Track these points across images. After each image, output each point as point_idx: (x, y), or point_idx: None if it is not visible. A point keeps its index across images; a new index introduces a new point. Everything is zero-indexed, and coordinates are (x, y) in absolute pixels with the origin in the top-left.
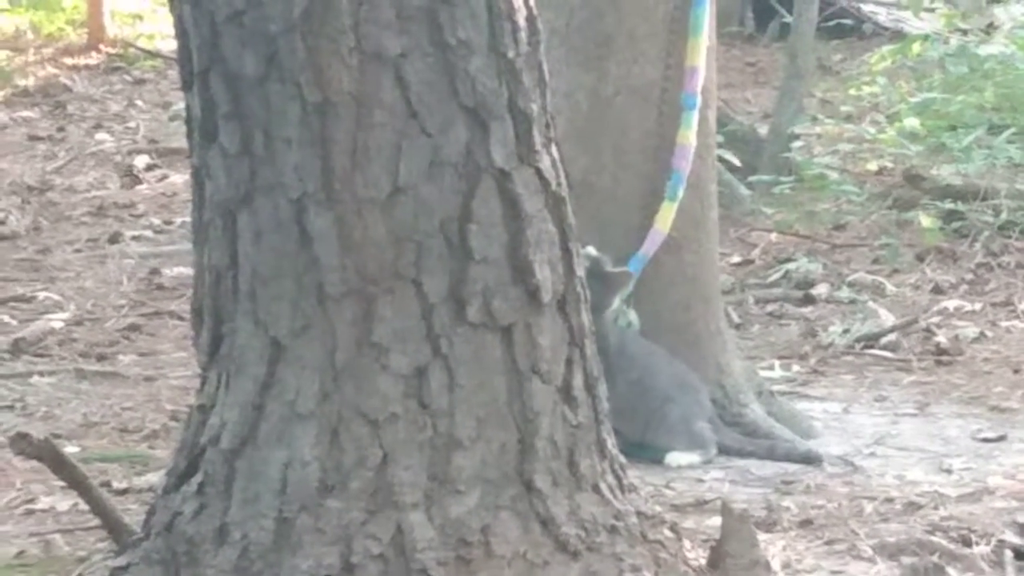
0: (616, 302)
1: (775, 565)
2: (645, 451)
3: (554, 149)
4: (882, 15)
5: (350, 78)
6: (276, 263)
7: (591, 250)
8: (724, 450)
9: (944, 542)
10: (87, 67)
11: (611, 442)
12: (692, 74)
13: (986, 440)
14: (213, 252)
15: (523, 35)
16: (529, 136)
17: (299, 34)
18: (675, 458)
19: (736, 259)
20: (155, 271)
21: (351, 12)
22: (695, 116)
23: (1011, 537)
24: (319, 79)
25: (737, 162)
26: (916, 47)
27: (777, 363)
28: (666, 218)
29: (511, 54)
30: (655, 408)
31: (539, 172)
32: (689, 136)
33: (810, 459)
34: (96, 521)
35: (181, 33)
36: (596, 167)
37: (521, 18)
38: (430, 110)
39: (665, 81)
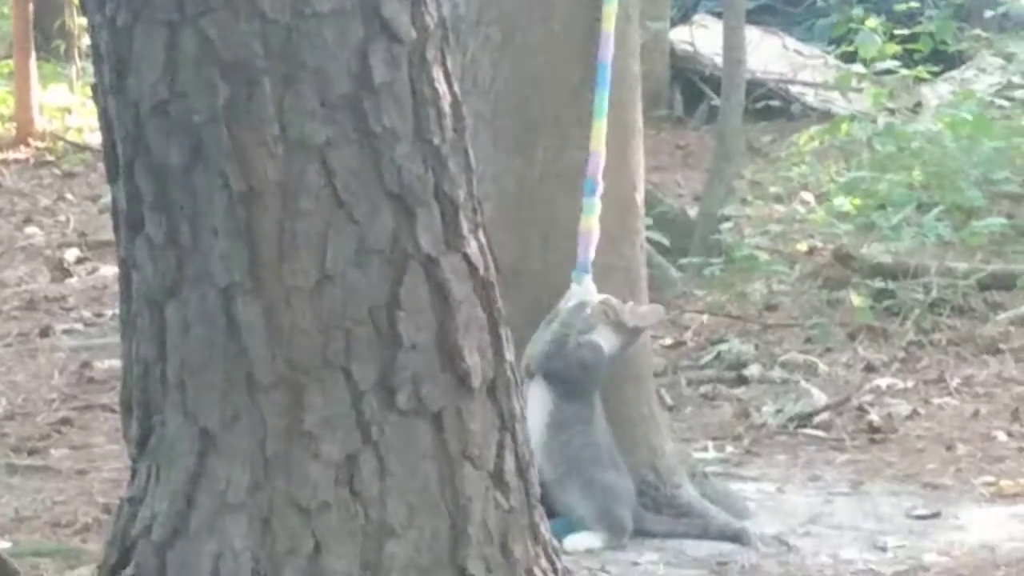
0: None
1: None
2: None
3: (481, 234)
4: (810, 96)
5: (275, 167)
6: (204, 354)
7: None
8: (656, 533)
9: None
10: (16, 161)
11: (544, 526)
12: (593, 159)
13: (920, 517)
14: (141, 344)
15: (448, 121)
16: (456, 222)
17: (223, 123)
18: (577, 541)
19: (668, 341)
20: (86, 364)
21: (275, 101)
22: (596, 202)
23: None
24: (244, 168)
25: (667, 244)
26: (844, 127)
27: (710, 444)
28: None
29: (436, 140)
30: (585, 474)
31: (467, 258)
32: (590, 222)
33: (742, 538)
34: None
35: (106, 125)
36: (524, 252)
37: (446, 104)
38: (356, 197)
39: None
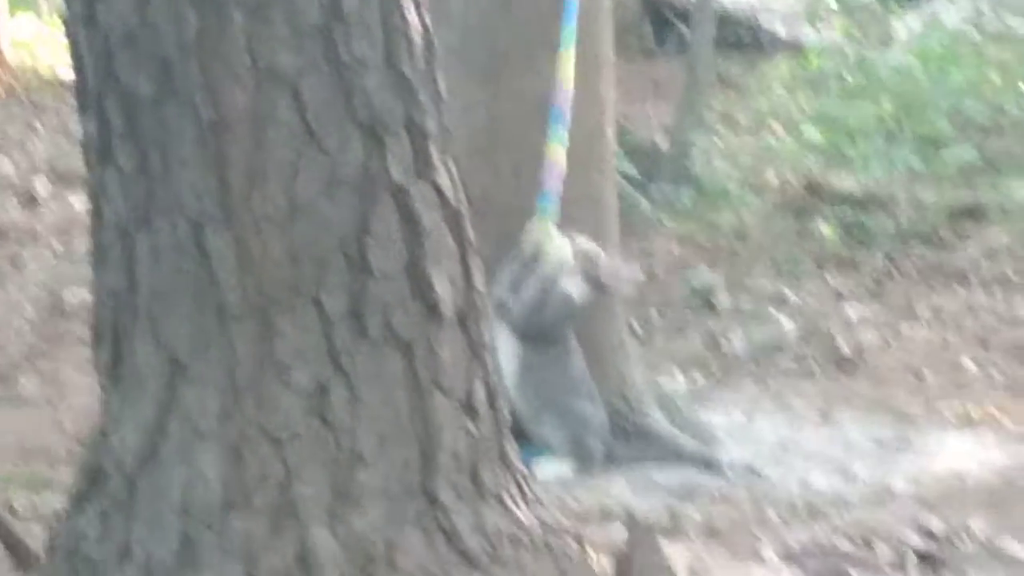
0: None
1: (680, 573)
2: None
3: (451, 164)
4: (780, 27)
5: (245, 97)
6: (175, 283)
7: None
8: (627, 460)
9: (847, 546)
10: None
11: (514, 454)
12: (559, 88)
13: (889, 445)
14: (112, 274)
15: (418, 51)
16: (426, 151)
17: (193, 54)
18: (546, 468)
19: (639, 271)
20: (57, 295)
21: (245, 31)
22: (562, 131)
23: (914, 540)
24: (214, 99)
25: (637, 174)
26: (814, 58)
27: (680, 373)
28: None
29: (407, 70)
30: (558, 405)
31: (437, 187)
32: (557, 151)
33: (713, 465)
34: None
35: (76, 56)
36: (494, 182)
37: (416, 35)
38: (326, 128)
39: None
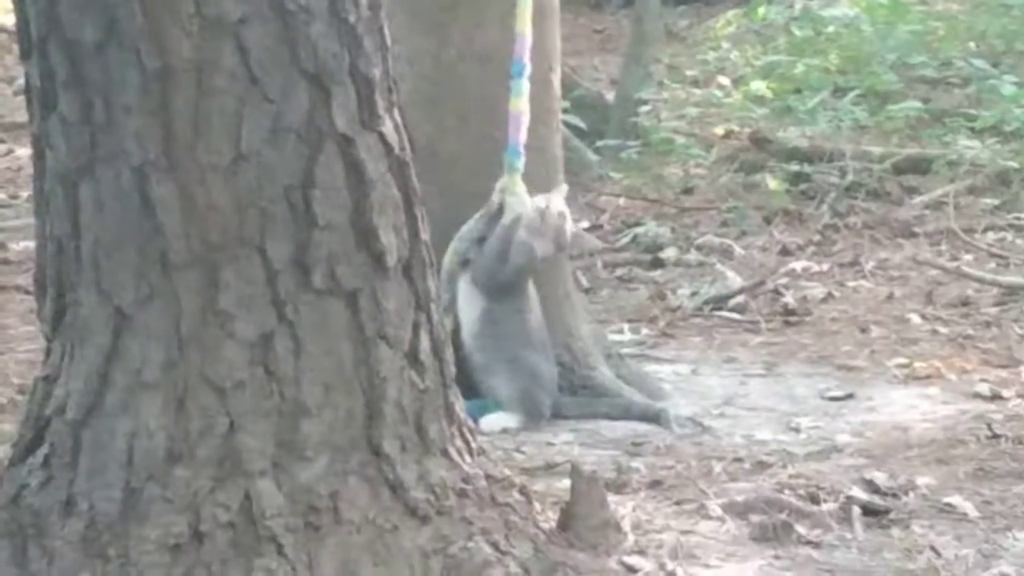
0: None
1: (625, 526)
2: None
3: (397, 114)
4: None
5: (190, 44)
6: (119, 232)
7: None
8: (575, 416)
9: (793, 500)
10: None
11: (459, 406)
12: (520, 41)
13: (834, 399)
14: (55, 222)
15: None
16: (371, 101)
17: (137, 0)
18: (492, 421)
19: (585, 224)
20: (1, 245)
21: None
22: (524, 83)
23: (859, 493)
24: (158, 46)
25: (585, 127)
26: (761, 11)
27: (626, 326)
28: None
29: (352, 19)
30: (510, 357)
31: (382, 137)
32: (520, 104)
33: (660, 419)
34: None
35: (19, 2)
36: (440, 132)
37: None
38: (271, 76)
39: (508, 45)
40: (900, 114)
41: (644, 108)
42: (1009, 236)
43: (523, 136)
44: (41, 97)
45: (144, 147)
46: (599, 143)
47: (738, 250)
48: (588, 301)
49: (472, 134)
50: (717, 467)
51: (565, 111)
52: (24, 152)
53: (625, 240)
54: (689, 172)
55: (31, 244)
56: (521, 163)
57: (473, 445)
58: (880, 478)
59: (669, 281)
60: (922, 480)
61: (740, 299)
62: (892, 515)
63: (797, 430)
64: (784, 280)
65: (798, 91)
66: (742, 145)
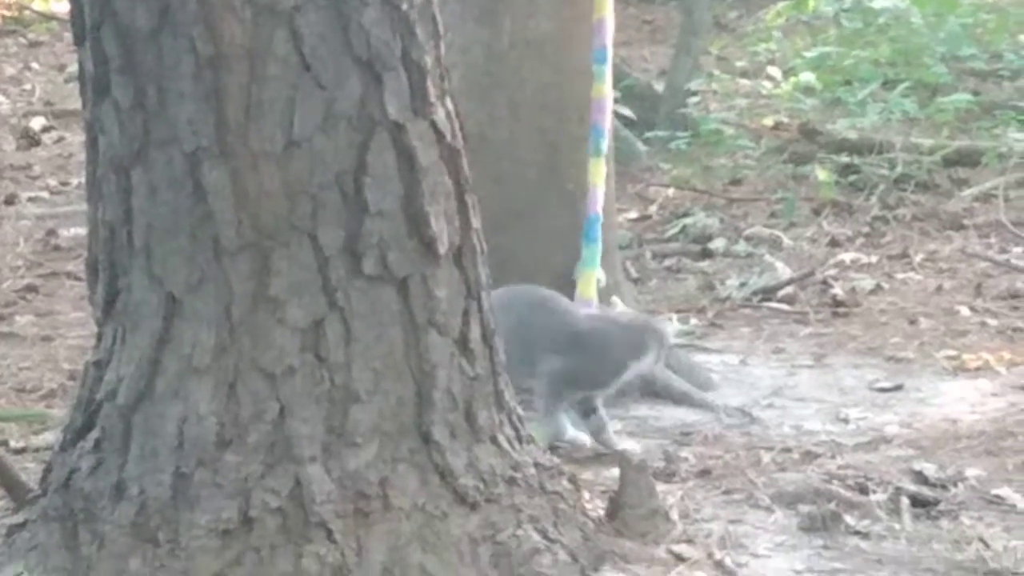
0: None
1: (673, 515)
2: None
3: (448, 102)
4: None
5: (243, 31)
6: (171, 218)
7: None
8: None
9: (841, 490)
10: None
11: (509, 394)
12: (600, 27)
13: (882, 390)
14: (107, 208)
15: None
16: (423, 88)
17: None
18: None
19: (634, 214)
20: (52, 232)
21: None
22: (607, 69)
23: (907, 484)
24: (212, 32)
25: (634, 117)
26: (811, 3)
27: (675, 316)
28: (597, 173)
29: (405, 6)
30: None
31: (434, 124)
32: (603, 89)
33: (710, 408)
34: None
35: None
36: (491, 121)
37: None
38: (324, 63)
39: (560, 35)
40: (950, 106)
41: (693, 99)
42: None
43: (607, 121)
44: (94, 83)
45: (197, 133)
46: (648, 134)
47: (787, 241)
48: (637, 291)
49: (523, 123)
50: (766, 457)
51: (615, 101)
52: (75, 139)
53: (674, 231)
54: (738, 163)
55: (82, 231)
56: (605, 145)
57: (522, 433)
58: (929, 469)
59: (718, 272)
60: (971, 471)
61: (789, 290)
62: (941, 506)
63: (846, 421)
64: (833, 271)
65: (848, 83)
66: (791, 136)
